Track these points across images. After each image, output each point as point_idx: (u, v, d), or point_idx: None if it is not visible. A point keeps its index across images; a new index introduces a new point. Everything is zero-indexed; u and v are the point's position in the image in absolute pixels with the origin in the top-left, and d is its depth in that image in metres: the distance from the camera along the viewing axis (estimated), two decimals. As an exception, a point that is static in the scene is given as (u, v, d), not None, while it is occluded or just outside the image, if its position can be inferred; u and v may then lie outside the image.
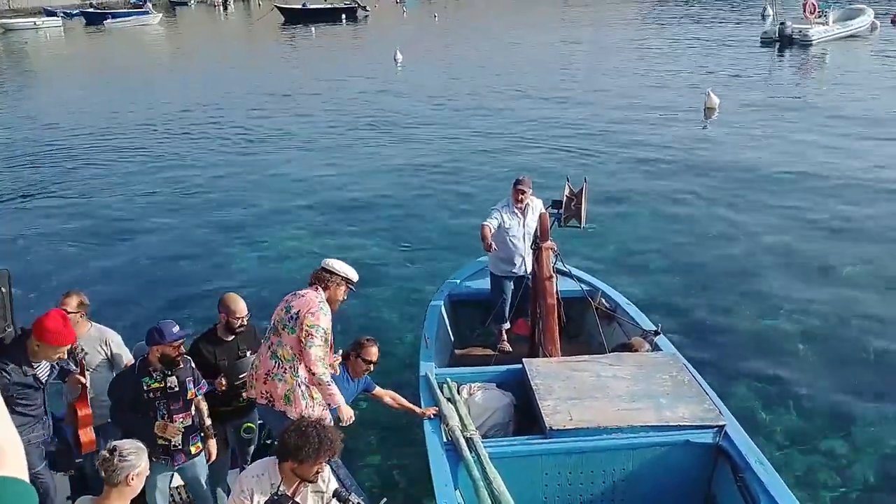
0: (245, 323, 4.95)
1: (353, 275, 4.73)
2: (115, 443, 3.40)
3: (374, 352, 5.00)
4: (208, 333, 5.01)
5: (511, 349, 6.82)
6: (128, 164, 16.60)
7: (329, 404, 4.52)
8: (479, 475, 4.46)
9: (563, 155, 15.62)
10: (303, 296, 4.56)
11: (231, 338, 4.97)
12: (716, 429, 4.79)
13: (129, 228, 12.40)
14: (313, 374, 4.41)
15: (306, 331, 4.40)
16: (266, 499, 3.36)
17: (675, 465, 4.81)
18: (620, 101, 21.03)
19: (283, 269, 10.44)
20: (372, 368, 5.04)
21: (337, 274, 4.64)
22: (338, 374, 4.79)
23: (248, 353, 4.99)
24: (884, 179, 13.29)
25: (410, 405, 5.21)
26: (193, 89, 26.26)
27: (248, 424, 5.08)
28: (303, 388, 4.36)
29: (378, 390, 5.25)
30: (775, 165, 14.26)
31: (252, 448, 5.19)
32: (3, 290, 4.15)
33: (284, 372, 4.36)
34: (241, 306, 4.91)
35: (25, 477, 1.06)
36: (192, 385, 4.52)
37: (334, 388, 4.51)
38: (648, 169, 14.52)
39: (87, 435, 4.35)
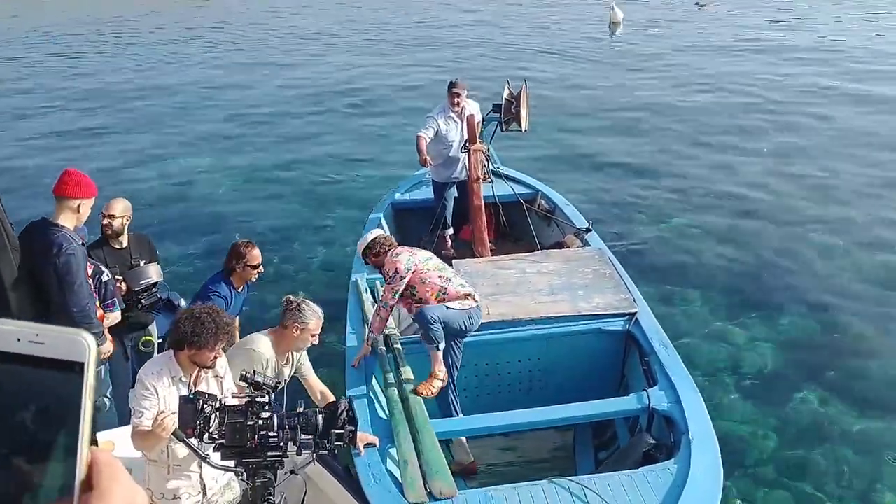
0: (114, 225, 4.75)
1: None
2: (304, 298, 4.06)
3: (257, 254, 4.82)
4: (98, 241, 4.89)
5: (455, 254, 6.85)
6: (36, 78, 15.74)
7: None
8: (390, 367, 4.64)
9: (489, 62, 15.98)
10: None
11: (123, 246, 4.84)
12: (627, 316, 5.07)
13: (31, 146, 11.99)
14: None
15: None
16: (170, 393, 3.26)
17: (589, 352, 5.09)
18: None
19: (190, 188, 10.28)
20: (262, 270, 4.94)
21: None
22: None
23: (143, 263, 4.86)
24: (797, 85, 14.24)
25: None
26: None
27: (147, 338, 4.96)
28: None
29: None
30: (681, 74, 15.17)
31: None
32: None
33: None
34: (113, 204, 4.79)
35: None
36: None
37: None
38: (568, 75, 15.28)
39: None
